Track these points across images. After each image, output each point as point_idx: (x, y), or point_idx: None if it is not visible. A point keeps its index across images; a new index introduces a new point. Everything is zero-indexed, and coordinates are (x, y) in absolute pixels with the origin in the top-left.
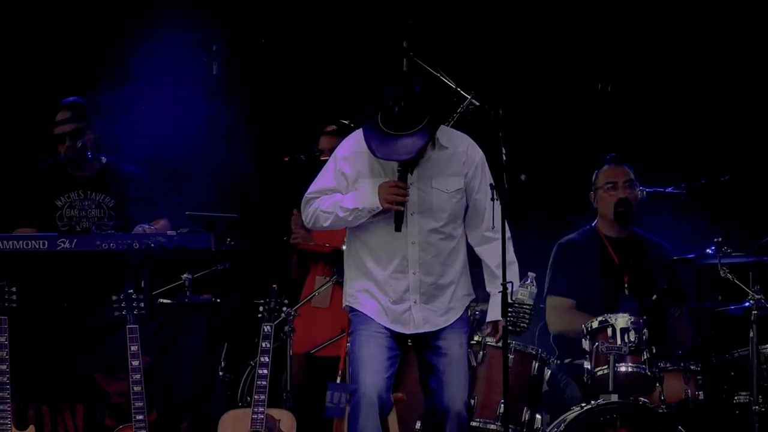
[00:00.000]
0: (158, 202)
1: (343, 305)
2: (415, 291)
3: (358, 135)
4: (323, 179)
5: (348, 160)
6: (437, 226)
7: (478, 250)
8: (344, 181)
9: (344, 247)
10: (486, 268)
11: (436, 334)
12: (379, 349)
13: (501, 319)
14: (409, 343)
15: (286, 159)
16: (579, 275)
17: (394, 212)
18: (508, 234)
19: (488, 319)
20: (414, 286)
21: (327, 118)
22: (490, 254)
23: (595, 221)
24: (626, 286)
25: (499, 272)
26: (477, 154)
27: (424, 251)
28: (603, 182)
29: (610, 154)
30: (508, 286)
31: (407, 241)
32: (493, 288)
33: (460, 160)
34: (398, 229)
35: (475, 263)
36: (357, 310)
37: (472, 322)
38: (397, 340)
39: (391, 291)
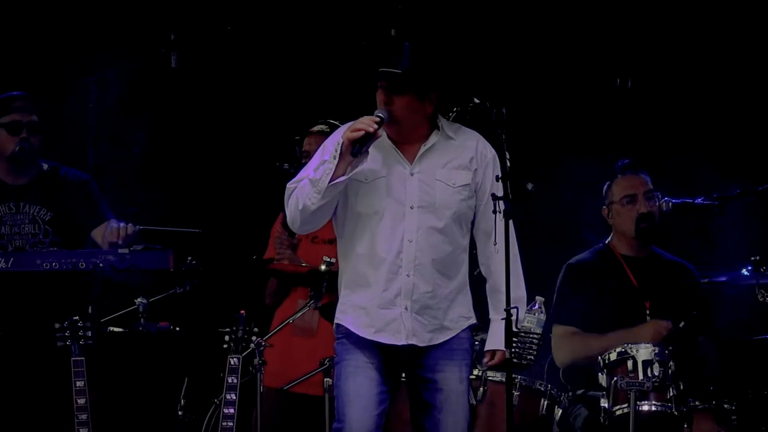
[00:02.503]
0: (105, 210)
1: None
2: (407, 296)
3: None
4: (308, 168)
5: (338, 145)
6: (439, 225)
7: (483, 269)
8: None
9: (323, 267)
10: (489, 291)
11: (432, 366)
12: (368, 381)
13: (503, 349)
14: (403, 379)
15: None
16: (591, 301)
17: (359, 138)
18: (515, 252)
19: (487, 347)
20: (406, 290)
21: (309, 118)
22: (493, 274)
23: (609, 238)
24: (648, 312)
25: (501, 296)
26: (488, 152)
27: (422, 252)
28: (620, 195)
29: (623, 160)
30: (513, 312)
31: (403, 238)
32: (495, 314)
33: (467, 153)
34: (354, 153)
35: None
36: (342, 335)
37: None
38: (388, 372)
39: (380, 294)
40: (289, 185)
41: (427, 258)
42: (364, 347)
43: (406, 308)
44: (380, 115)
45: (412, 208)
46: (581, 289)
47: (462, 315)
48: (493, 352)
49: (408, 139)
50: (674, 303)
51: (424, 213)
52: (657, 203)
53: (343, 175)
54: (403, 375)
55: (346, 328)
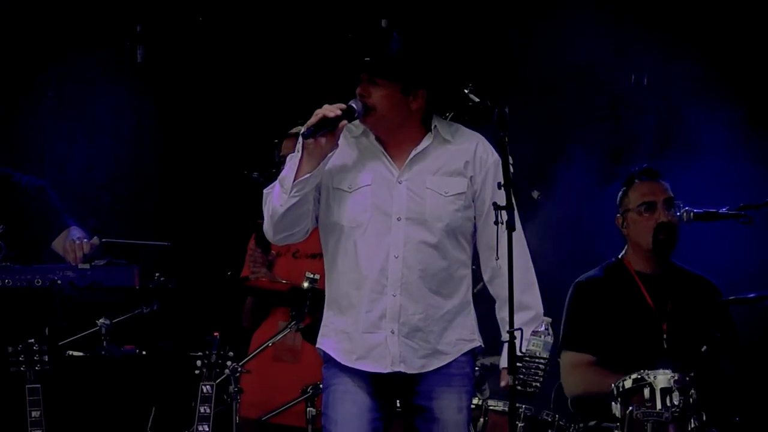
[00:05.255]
0: (65, 218)
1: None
2: (393, 318)
3: None
4: (284, 170)
5: None
6: (430, 239)
7: (489, 287)
8: None
9: (305, 284)
10: (498, 311)
11: (427, 393)
12: (358, 408)
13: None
14: (398, 408)
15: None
16: (602, 324)
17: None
18: (526, 266)
19: (502, 364)
20: (392, 312)
21: (288, 119)
22: (498, 292)
23: (623, 253)
24: (665, 336)
25: (505, 313)
26: (489, 156)
27: (409, 269)
28: (636, 202)
29: (641, 164)
30: (517, 334)
31: (388, 254)
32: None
33: (463, 157)
34: (307, 135)
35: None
36: (327, 356)
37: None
38: (380, 398)
39: (364, 316)
40: (266, 191)
41: (415, 275)
42: (352, 371)
43: (392, 332)
44: (351, 104)
45: (398, 219)
46: (593, 310)
47: (461, 338)
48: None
49: (398, 141)
50: (696, 324)
51: (413, 225)
52: (678, 213)
53: (310, 172)
54: (398, 404)
55: (328, 355)
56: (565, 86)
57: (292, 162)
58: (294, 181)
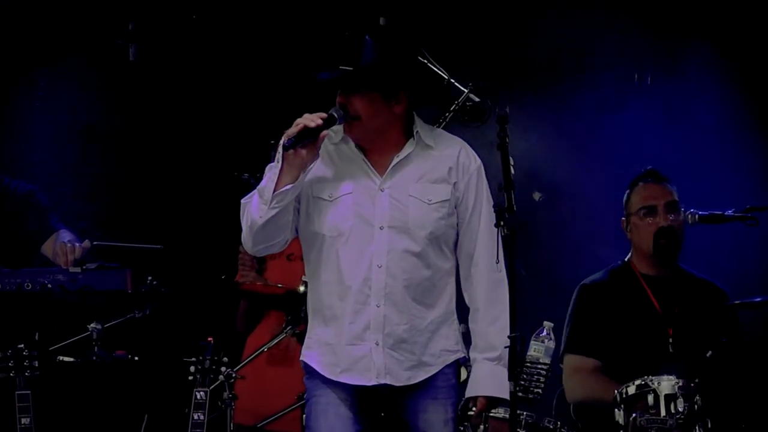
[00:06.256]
0: (54, 221)
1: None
2: (377, 330)
3: None
4: (264, 181)
5: None
6: (414, 247)
7: (466, 296)
8: None
9: (302, 288)
10: (471, 322)
11: (412, 406)
12: (340, 420)
13: (485, 395)
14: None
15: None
16: (607, 328)
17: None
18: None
19: (468, 392)
20: (376, 323)
21: (283, 120)
22: (477, 302)
23: (629, 256)
24: (671, 341)
25: (484, 325)
26: (472, 162)
27: (393, 279)
28: (637, 206)
29: (645, 167)
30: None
31: (371, 263)
32: (477, 352)
33: (446, 164)
34: (287, 146)
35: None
36: (310, 368)
37: None
38: (364, 410)
39: (347, 327)
40: (243, 201)
41: (399, 285)
42: (335, 383)
43: (376, 343)
44: (332, 113)
45: (381, 228)
46: (597, 313)
47: (446, 348)
48: (475, 399)
49: (379, 147)
50: (702, 329)
51: (396, 234)
52: (681, 217)
53: (291, 183)
54: (383, 413)
55: (310, 366)
56: (565, 87)
57: (271, 173)
58: (274, 192)
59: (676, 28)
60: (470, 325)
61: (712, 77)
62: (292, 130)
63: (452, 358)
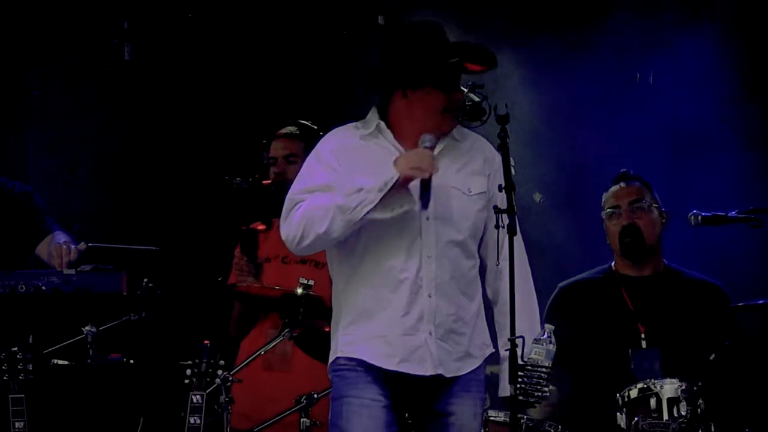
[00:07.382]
0: (49, 223)
1: (329, 363)
2: (430, 320)
3: (340, 131)
4: (308, 176)
5: (336, 153)
6: (458, 237)
7: (489, 292)
8: (337, 177)
9: (299, 291)
10: (497, 317)
11: (445, 398)
12: (375, 423)
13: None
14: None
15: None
16: (578, 328)
17: (420, 186)
18: (524, 271)
19: (500, 393)
20: (429, 313)
21: (278, 120)
22: (502, 298)
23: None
24: (643, 337)
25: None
26: (496, 156)
27: (442, 269)
28: (605, 208)
29: (621, 169)
30: (518, 341)
31: (422, 254)
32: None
33: (480, 156)
34: (425, 205)
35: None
36: (343, 369)
37: None
38: (397, 412)
39: (401, 319)
40: (294, 197)
41: (447, 276)
42: (372, 382)
43: (430, 333)
44: (427, 145)
45: (428, 219)
46: (568, 314)
47: (484, 342)
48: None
49: (416, 141)
50: (689, 326)
51: (442, 225)
52: (653, 215)
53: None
54: (408, 417)
55: (361, 361)
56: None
57: (362, 196)
58: (356, 188)
59: (676, 29)
60: (498, 319)
61: (715, 76)
62: (418, 175)
63: (488, 351)
